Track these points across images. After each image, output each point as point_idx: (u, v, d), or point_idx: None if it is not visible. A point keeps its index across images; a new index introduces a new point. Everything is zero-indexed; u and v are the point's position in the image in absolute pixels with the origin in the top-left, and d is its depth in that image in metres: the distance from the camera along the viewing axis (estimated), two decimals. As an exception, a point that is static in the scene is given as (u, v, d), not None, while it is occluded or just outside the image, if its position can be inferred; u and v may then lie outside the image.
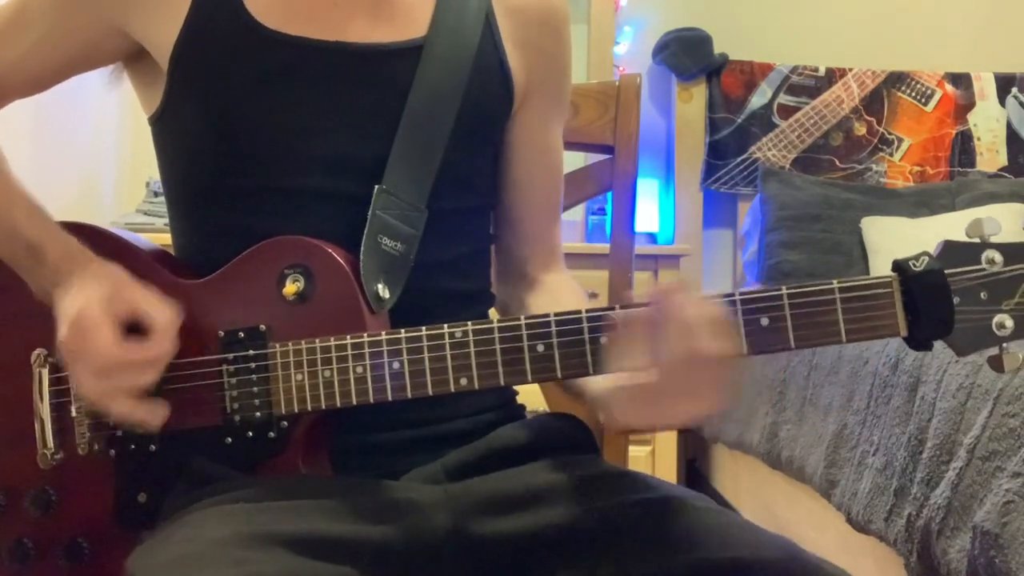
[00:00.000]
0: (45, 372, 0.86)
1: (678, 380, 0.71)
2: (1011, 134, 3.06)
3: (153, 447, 0.84)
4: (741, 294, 0.73)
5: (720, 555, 0.75)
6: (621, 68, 3.07)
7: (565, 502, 0.81)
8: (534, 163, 1.02)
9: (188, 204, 0.93)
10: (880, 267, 2.69)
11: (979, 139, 3.07)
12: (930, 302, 0.72)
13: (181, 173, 0.93)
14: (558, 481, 0.83)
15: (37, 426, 0.87)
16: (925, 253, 0.73)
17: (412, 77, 0.90)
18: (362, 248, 0.84)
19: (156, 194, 2.62)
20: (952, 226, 2.81)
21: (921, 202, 2.82)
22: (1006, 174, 3.04)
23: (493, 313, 1.03)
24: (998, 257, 0.71)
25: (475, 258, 0.98)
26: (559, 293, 1.01)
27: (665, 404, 0.72)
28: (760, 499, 2.29)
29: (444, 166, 0.91)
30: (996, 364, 0.73)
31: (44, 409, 0.86)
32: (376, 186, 0.86)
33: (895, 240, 2.70)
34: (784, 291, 0.72)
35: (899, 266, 0.73)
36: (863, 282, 0.72)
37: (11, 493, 0.88)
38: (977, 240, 0.73)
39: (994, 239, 0.72)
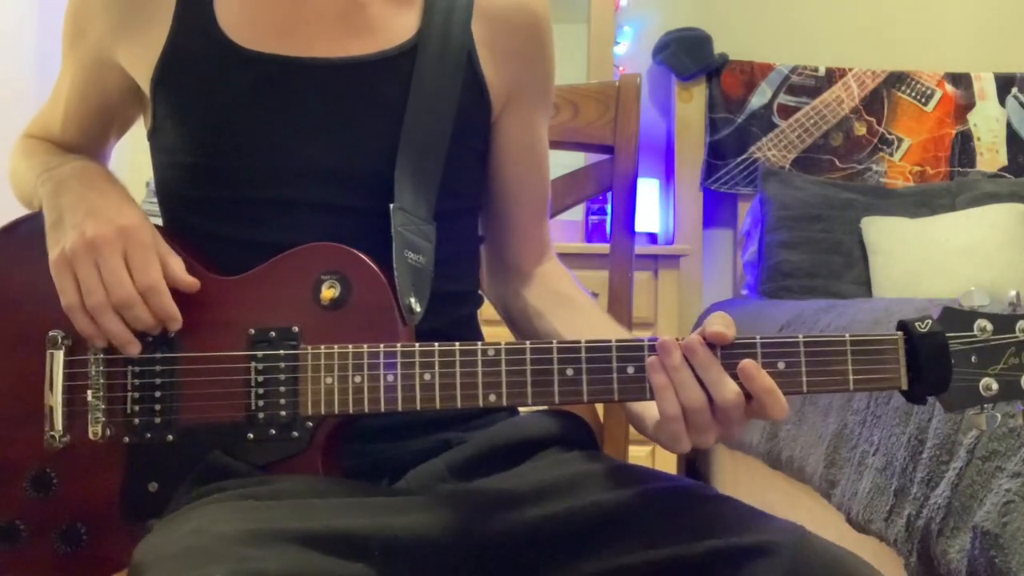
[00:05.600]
0: (60, 354, 0.86)
1: (702, 419, 0.77)
2: (1011, 134, 3.07)
3: (170, 437, 0.85)
4: (762, 339, 0.79)
5: (733, 540, 0.75)
6: (621, 68, 3.07)
7: (571, 496, 0.81)
8: (523, 163, 1.03)
9: (179, 214, 0.96)
10: (880, 267, 2.69)
11: (979, 139, 3.07)
12: (931, 361, 0.79)
13: (172, 187, 0.96)
14: (563, 476, 0.84)
15: (47, 407, 0.86)
16: (928, 316, 0.80)
17: (398, 89, 0.91)
18: (394, 263, 0.86)
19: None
20: (952, 226, 2.82)
21: (921, 202, 2.82)
22: (1006, 174, 3.04)
23: (481, 315, 1.04)
24: (989, 326, 0.80)
25: (461, 260, 0.99)
26: (556, 284, 1.04)
27: (692, 434, 0.78)
28: (760, 499, 2.28)
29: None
30: (976, 422, 0.80)
31: (57, 391, 0.86)
32: (391, 204, 0.88)
33: (895, 240, 2.70)
34: (800, 339, 0.79)
35: (905, 326, 0.80)
36: (872, 337, 0.80)
37: (8, 472, 0.87)
38: (970, 308, 0.81)
39: (982, 309, 0.81)
